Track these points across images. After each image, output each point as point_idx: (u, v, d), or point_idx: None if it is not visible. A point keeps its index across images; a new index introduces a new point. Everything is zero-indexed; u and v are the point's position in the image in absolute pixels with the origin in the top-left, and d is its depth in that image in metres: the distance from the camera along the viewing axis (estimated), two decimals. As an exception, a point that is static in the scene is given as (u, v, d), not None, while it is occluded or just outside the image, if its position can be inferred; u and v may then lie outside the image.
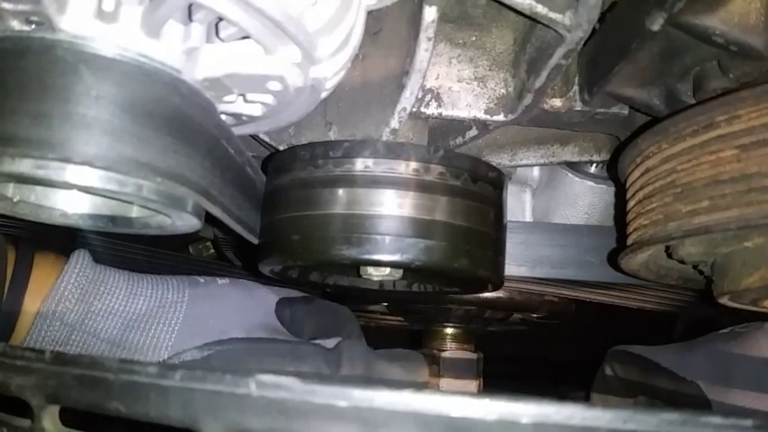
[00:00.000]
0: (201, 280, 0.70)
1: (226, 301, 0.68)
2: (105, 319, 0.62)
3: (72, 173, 0.39)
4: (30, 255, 0.63)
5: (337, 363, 0.65)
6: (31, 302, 0.60)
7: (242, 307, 0.69)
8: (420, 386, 0.78)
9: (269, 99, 0.48)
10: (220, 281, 0.71)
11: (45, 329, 0.60)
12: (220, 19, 0.41)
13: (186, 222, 0.48)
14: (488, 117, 0.61)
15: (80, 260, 0.63)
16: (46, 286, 0.61)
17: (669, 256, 0.55)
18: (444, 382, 0.95)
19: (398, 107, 0.55)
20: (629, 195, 0.57)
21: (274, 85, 0.45)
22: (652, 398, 0.81)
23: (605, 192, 0.78)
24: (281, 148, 0.62)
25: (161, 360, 0.62)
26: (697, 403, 0.68)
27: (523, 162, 0.72)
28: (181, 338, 0.63)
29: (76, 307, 0.61)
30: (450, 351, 0.99)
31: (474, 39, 0.61)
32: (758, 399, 0.63)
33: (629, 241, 0.56)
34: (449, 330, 1.01)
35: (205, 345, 0.63)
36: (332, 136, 0.60)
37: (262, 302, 0.71)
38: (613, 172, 0.63)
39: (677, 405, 0.74)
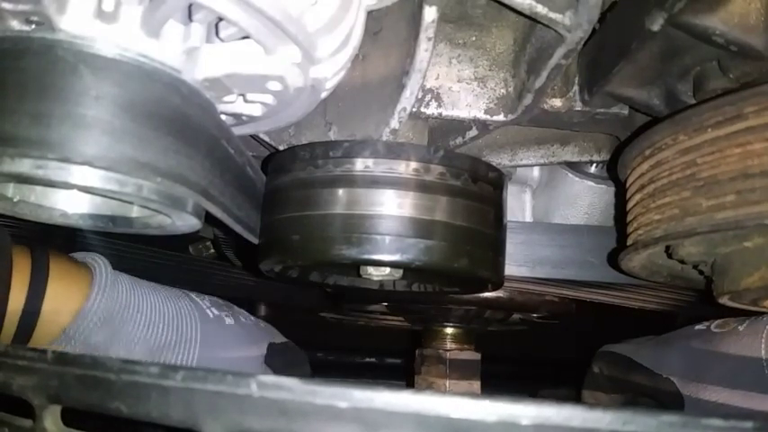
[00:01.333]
0: (210, 315, 0.73)
1: (231, 346, 0.74)
2: (129, 344, 0.65)
3: (72, 173, 0.39)
4: (45, 257, 0.64)
5: None
6: (50, 303, 0.62)
7: (244, 356, 0.75)
8: None
9: (269, 99, 0.48)
10: (227, 320, 0.75)
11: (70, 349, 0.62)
12: (220, 19, 0.41)
13: (186, 222, 0.48)
14: (488, 117, 0.61)
15: (103, 284, 0.64)
16: (64, 288, 0.63)
17: (669, 255, 0.55)
18: (450, 383, 0.95)
19: (398, 107, 0.55)
20: (634, 189, 0.55)
21: (274, 85, 0.45)
22: (634, 394, 0.82)
23: (605, 192, 0.78)
24: (281, 148, 0.62)
25: None
26: (672, 399, 0.68)
27: (523, 162, 0.72)
28: None
29: (102, 329, 0.63)
30: (455, 352, 0.98)
31: (474, 39, 0.61)
32: (731, 395, 0.63)
33: (633, 238, 0.54)
34: (449, 330, 1.00)
35: None
36: (332, 136, 0.60)
37: (259, 348, 0.78)
38: (614, 171, 0.63)
39: (654, 400, 0.75)
